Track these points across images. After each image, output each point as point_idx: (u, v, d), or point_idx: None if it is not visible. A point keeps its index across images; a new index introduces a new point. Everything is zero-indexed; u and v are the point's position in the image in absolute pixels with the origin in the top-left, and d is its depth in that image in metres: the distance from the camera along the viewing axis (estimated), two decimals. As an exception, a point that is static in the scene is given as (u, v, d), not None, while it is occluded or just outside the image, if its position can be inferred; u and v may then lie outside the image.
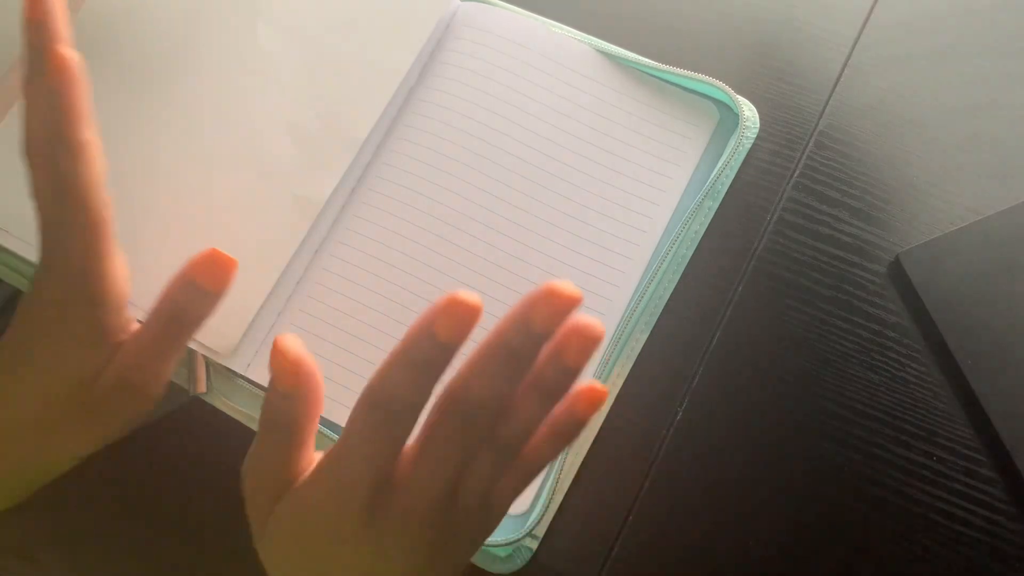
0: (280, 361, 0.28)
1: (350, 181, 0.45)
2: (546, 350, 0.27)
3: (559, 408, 0.29)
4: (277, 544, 0.31)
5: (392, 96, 0.45)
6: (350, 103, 0.45)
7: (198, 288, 0.32)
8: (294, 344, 0.29)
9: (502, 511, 0.31)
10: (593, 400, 0.29)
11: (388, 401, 0.27)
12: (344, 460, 0.28)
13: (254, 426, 0.42)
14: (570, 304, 0.26)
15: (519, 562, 0.39)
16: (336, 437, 0.39)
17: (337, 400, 0.42)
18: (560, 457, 0.39)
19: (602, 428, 0.41)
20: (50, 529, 0.43)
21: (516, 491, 0.30)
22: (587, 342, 0.26)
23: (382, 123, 0.45)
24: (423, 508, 0.29)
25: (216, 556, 0.43)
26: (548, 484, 0.39)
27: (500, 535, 0.38)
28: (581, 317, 0.26)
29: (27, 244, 0.45)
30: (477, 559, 0.39)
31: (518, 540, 0.38)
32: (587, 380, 0.29)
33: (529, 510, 0.39)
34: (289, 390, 0.29)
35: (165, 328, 0.33)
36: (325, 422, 0.41)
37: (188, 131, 0.46)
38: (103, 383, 0.33)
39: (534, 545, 0.39)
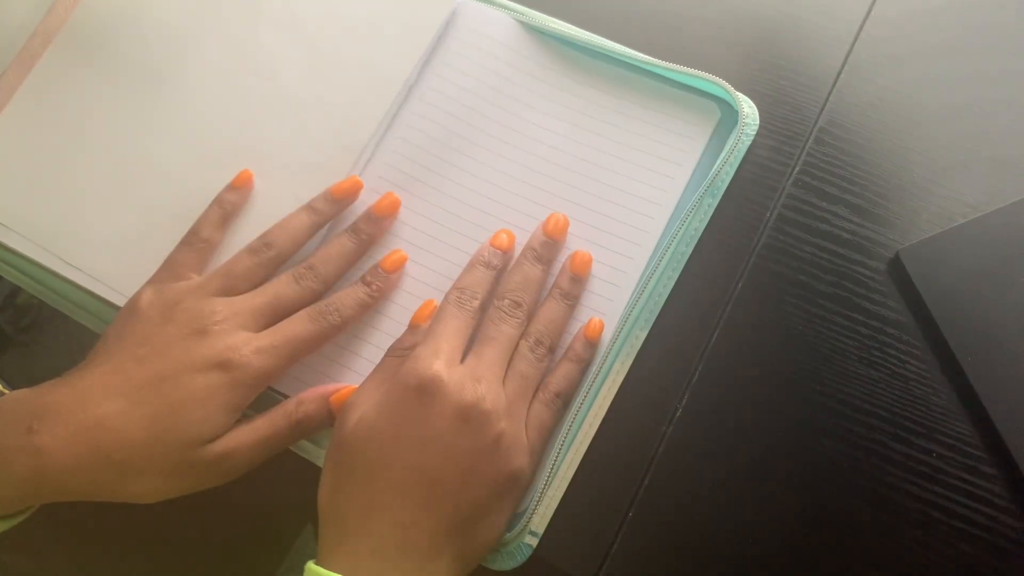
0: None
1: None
2: (560, 272, 0.42)
3: (560, 274, 0.42)
4: (347, 447, 0.36)
5: (393, 99, 0.45)
6: (352, 106, 0.45)
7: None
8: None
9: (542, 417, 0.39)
10: (582, 259, 0.42)
11: (472, 285, 0.40)
12: (441, 327, 0.39)
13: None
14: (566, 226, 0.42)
15: (519, 559, 0.39)
16: None
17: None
18: (560, 455, 0.39)
19: (602, 425, 0.41)
20: (53, 525, 0.43)
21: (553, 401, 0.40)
22: (586, 261, 0.42)
23: (382, 125, 0.45)
24: (490, 371, 0.38)
25: (216, 553, 0.43)
26: (548, 481, 0.39)
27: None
28: (580, 251, 0.42)
29: (27, 241, 0.45)
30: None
31: (518, 537, 0.38)
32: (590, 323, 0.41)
33: (529, 507, 0.39)
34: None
35: (288, 432, 0.39)
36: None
37: (189, 131, 0.46)
38: (212, 450, 0.38)
39: (534, 542, 0.39)
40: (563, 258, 0.42)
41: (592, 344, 0.41)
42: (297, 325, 0.40)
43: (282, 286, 0.41)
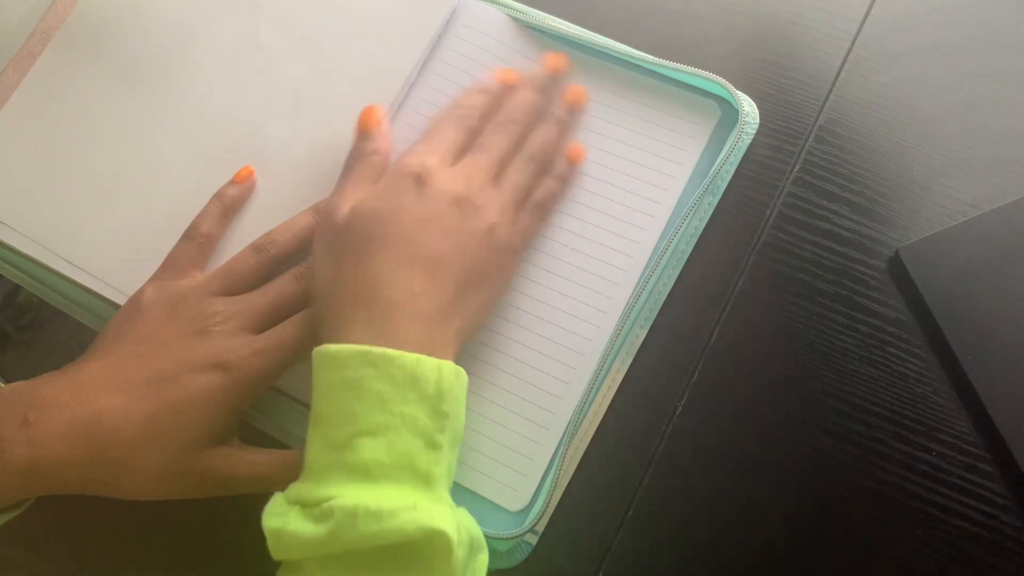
0: (367, 117, 0.43)
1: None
2: (557, 101, 0.44)
3: (556, 103, 0.44)
4: (348, 230, 0.38)
5: (394, 97, 0.45)
6: (352, 105, 0.45)
7: None
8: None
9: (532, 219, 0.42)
10: (576, 92, 0.45)
11: (470, 107, 0.43)
12: (438, 133, 0.41)
13: (258, 424, 0.42)
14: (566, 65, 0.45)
15: (519, 557, 0.39)
16: None
17: None
18: (560, 453, 0.39)
19: (602, 423, 0.41)
20: (55, 520, 0.43)
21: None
22: (580, 94, 0.44)
23: (382, 124, 0.45)
24: (480, 176, 0.40)
25: (216, 550, 0.43)
26: (548, 479, 0.39)
27: (500, 530, 0.38)
28: (573, 85, 0.45)
29: (27, 239, 0.45)
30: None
31: (519, 535, 0.38)
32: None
33: (529, 505, 0.39)
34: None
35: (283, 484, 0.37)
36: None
37: (189, 129, 0.46)
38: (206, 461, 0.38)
39: (534, 540, 0.39)
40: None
41: (574, 164, 0.44)
42: (297, 327, 0.40)
43: (284, 286, 0.41)
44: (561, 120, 0.44)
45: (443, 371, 0.35)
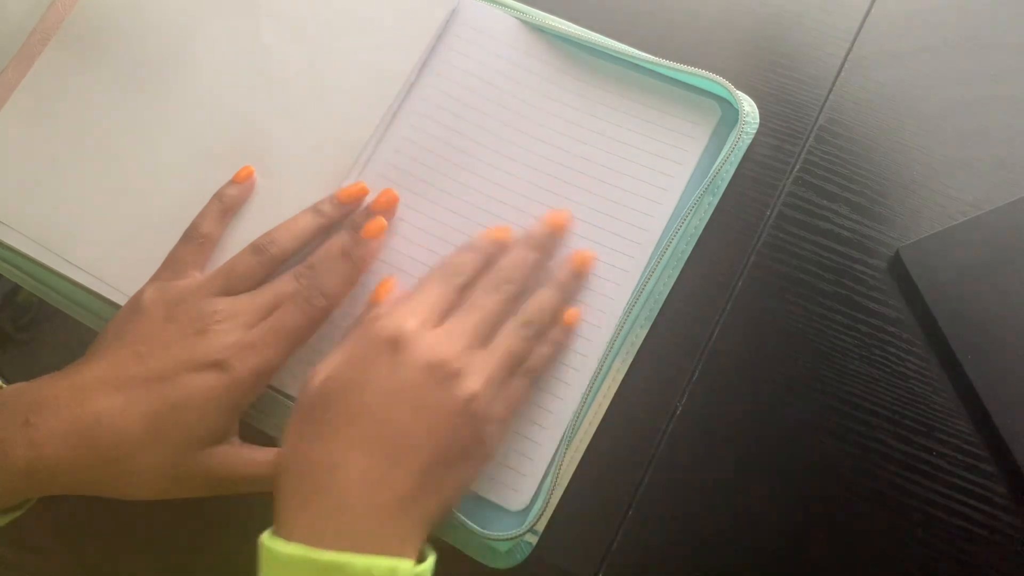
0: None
1: (352, 179, 0.45)
2: (563, 265, 0.41)
3: (562, 267, 0.41)
4: (311, 407, 0.36)
5: (394, 97, 0.45)
6: (352, 104, 0.45)
7: None
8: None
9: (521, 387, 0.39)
10: (585, 257, 0.41)
11: (459, 265, 0.40)
12: (421, 294, 0.39)
13: (258, 424, 0.42)
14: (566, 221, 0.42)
15: (519, 557, 0.39)
16: None
17: None
18: (560, 453, 0.39)
19: (602, 423, 0.41)
20: (54, 520, 0.43)
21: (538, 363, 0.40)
22: (588, 258, 0.42)
23: (382, 123, 0.45)
24: (468, 333, 0.37)
25: (217, 549, 0.43)
26: (548, 479, 0.39)
27: (500, 530, 0.38)
28: (583, 250, 0.42)
29: (27, 239, 0.45)
30: (478, 554, 0.39)
31: (519, 535, 0.38)
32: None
33: (529, 505, 0.39)
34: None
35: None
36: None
37: (189, 129, 0.46)
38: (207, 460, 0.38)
39: (534, 540, 0.39)
40: (564, 257, 0.42)
41: (569, 330, 0.41)
42: (285, 316, 0.40)
43: (284, 286, 0.41)
44: (564, 284, 0.41)
45: (400, 572, 0.32)
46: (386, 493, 0.34)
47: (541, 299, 0.40)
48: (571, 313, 0.41)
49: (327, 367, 0.37)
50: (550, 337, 0.40)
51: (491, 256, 0.41)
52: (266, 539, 0.33)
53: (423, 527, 0.35)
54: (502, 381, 0.38)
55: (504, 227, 0.42)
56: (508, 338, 0.38)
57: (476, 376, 0.36)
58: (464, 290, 0.40)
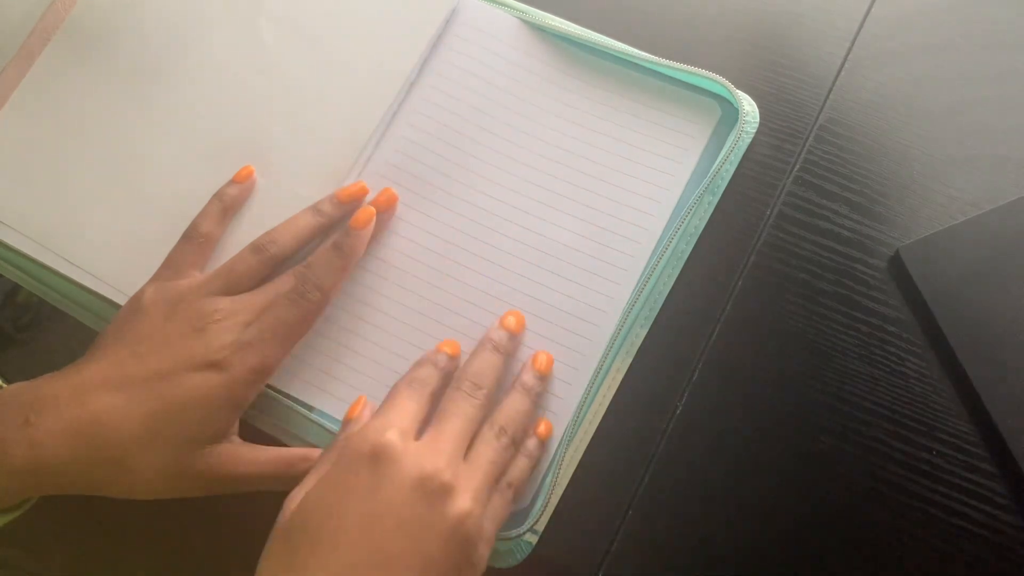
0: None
1: (352, 179, 0.45)
2: (524, 367, 0.41)
3: (525, 369, 0.41)
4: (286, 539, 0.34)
5: (394, 97, 0.45)
6: (352, 104, 0.45)
7: None
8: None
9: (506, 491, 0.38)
10: (545, 359, 0.41)
11: (424, 376, 0.39)
12: (394, 406, 0.37)
13: (258, 424, 0.42)
14: (522, 322, 0.42)
15: (519, 556, 0.39)
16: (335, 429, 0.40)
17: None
18: (560, 451, 0.39)
19: (602, 422, 0.41)
20: (53, 520, 0.43)
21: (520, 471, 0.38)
22: (549, 361, 0.41)
23: (382, 123, 0.45)
24: (450, 444, 0.36)
25: (217, 549, 0.43)
26: (548, 479, 0.39)
27: (501, 529, 0.38)
28: (542, 352, 0.41)
29: (27, 239, 0.45)
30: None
31: (519, 535, 0.38)
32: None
33: (530, 505, 0.39)
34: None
35: (288, 480, 0.37)
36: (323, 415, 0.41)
37: (189, 128, 0.46)
38: (208, 459, 0.38)
39: (534, 539, 0.39)
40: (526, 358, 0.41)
41: (543, 443, 0.40)
42: (280, 312, 0.40)
43: (283, 285, 0.41)
44: (531, 389, 0.40)
45: None
46: None
47: (513, 406, 0.39)
48: (546, 426, 0.40)
49: (303, 489, 0.35)
50: (526, 450, 0.39)
51: (450, 366, 0.40)
52: None
53: None
54: (488, 496, 0.36)
55: (453, 341, 0.41)
56: (488, 449, 0.37)
57: (466, 493, 0.34)
58: (434, 398, 0.39)
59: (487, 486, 0.36)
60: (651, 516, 0.40)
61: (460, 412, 0.37)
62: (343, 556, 0.32)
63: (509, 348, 0.41)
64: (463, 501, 0.34)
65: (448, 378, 0.40)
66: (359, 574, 0.32)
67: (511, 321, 0.41)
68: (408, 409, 0.37)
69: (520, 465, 0.38)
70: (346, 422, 0.39)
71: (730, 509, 0.40)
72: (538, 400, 0.40)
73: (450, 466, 0.35)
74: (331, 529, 0.33)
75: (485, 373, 0.39)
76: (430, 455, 0.35)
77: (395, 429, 0.35)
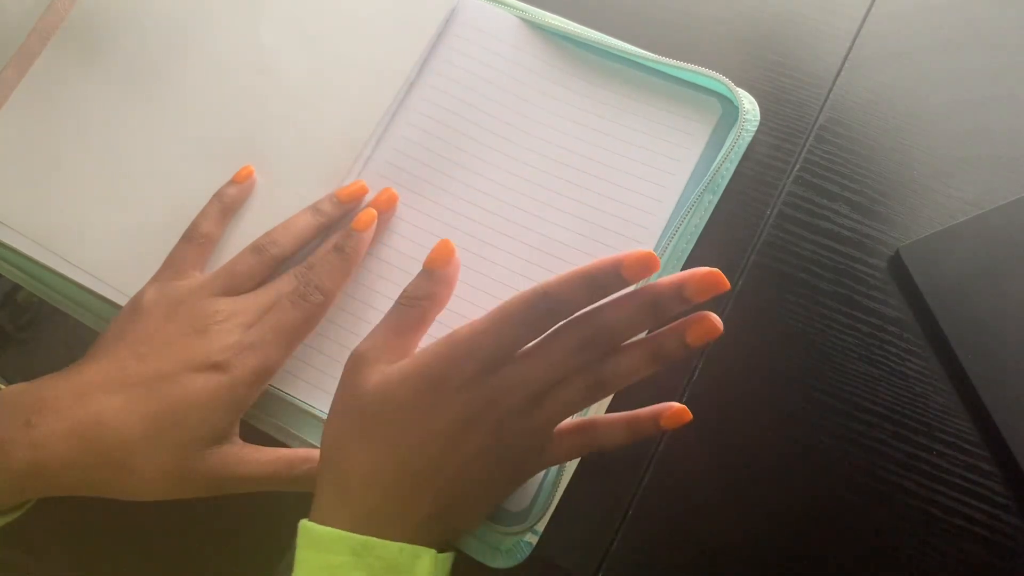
0: (439, 252, 0.38)
1: (351, 179, 0.45)
2: (670, 326, 0.35)
3: (668, 331, 0.35)
4: (362, 410, 0.35)
5: (394, 97, 0.45)
6: (352, 104, 0.45)
7: None
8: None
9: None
10: (707, 328, 0.34)
11: (557, 297, 0.34)
12: (481, 334, 0.34)
13: (258, 424, 0.42)
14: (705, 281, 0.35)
15: (519, 556, 0.39)
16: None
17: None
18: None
19: (602, 423, 0.41)
20: (54, 523, 0.43)
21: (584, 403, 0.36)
22: (710, 332, 0.34)
23: (382, 123, 0.45)
24: (515, 396, 0.34)
25: (217, 550, 0.43)
26: (549, 478, 0.39)
27: (501, 527, 0.38)
28: (711, 315, 0.35)
29: (27, 239, 0.45)
30: (477, 553, 0.39)
31: (519, 534, 0.38)
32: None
33: (530, 505, 0.39)
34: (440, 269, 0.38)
35: (288, 482, 0.38)
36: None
37: (189, 128, 0.46)
38: (209, 460, 0.38)
39: (534, 540, 0.39)
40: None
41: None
42: (282, 314, 0.40)
43: (283, 285, 0.41)
44: (660, 354, 0.35)
45: (423, 561, 0.34)
46: (416, 512, 0.35)
47: (626, 367, 0.35)
48: (674, 412, 0.37)
49: (378, 364, 0.36)
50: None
51: (600, 292, 0.35)
52: (305, 521, 0.34)
53: (449, 535, 0.37)
54: (550, 429, 0.36)
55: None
56: (568, 391, 0.35)
57: (519, 437, 0.35)
58: (543, 330, 0.35)
59: (547, 428, 0.35)
60: (651, 517, 0.40)
61: (556, 360, 0.35)
62: (400, 454, 0.34)
63: (665, 309, 0.35)
64: (513, 443, 0.35)
65: (591, 300, 0.35)
66: (409, 472, 0.34)
67: (707, 282, 0.35)
68: (500, 337, 0.34)
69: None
70: (425, 271, 0.38)
71: (730, 509, 0.40)
72: (662, 368, 0.35)
73: (513, 411, 0.34)
74: (394, 429, 0.35)
75: (611, 332, 0.35)
76: (499, 395, 0.34)
77: (474, 359, 0.34)
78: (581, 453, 0.38)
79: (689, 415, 0.37)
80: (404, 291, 0.38)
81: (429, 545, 0.35)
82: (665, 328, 0.35)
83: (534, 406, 0.35)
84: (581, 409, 0.36)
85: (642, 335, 0.36)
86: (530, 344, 0.35)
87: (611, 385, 0.35)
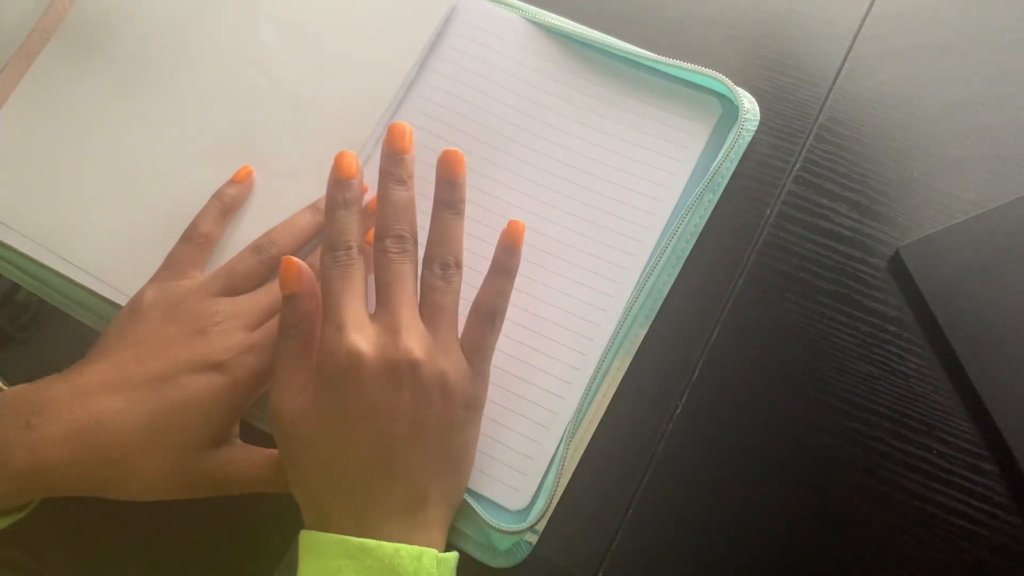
0: (286, 274, 0.37)
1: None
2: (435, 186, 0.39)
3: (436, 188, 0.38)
4: (297, 439, 0.36)
5: (393, 96, 0.45)
6: (351, 103, 0.45)
7: None
8: (294, 262, 0.38)
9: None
10: (450, 157, 0.38)
11: (339, 238, 0.37)
12: (331, 310, 0.36)
13: (258, 424, 0.42)
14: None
15: (519, 556, 0.39)
16: None
17: None
18: (560, 452, 0.39)
19: (602, 422, 0.41)
20: (53, 521, 0.43)
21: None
22: (454, 160, 0.38)
23: (382, 122, 0.45)
24: (400, 317, 0.36)
25: (217, 550, 0.43)
26: (549, 478, 0.39)
27: (501, 527, 0.38)
28: (448, 150, 0.39)
29: (26, 239, 0.45)
30: (478, 553, 0.39)
31: (519, 534, 0.38)
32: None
33: (530, 505, 0.39)
34: (295, 291, 0.37)
35: (282, 473, 0.38)
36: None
37: (188, 128, 0.46)
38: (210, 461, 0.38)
39: (534, 539, 0.39)
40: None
41: (514, 250, 0.39)
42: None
43: None
44: (446, 203, 0.39)
45: (423, 561, 0.34)
46: (398, 500, 0.35)
47: (439, 230, 0.38)
48: (512, 229, 0.39)
49: (286, 399, 0.36)
50: (496, 267, 0.38)
51: (358, 203, 0.39)
52: (303, 532, 0.35)
53: (446, 506, 0.37)
54: (453, 339, 0.37)
55: (348, 158, 0.39)
56: (433, 295, 0.37)
57: (434, 352, 0.36)
58: (360, 258, 0.38)
59: (450, 331, 0.37)
60: (651, 516, 0.40)
61: (396, 276, 0.37)
62: (351, 456, 0.35)
63: (409, 171, 0.39)
64: (435, 363, 0.36)
65: (361, 211, 0.38)
66: (369, 466, 0.35)
67: (397, 134, 0.39)
68: (347, 294, 0.36)
69: (493, 287, 0.38)
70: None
71: (730, 509, 0.40)
72: (462, 216, 0.39)
73: (411, 339, 0.35)
74: (330, 437, 0.35)
75: (401, 217, 0.38)
76: (390, 340, 0.35)
77: (348, 329, 0.35)
78: (488, 327, 0.38)
79: (521, 224, 0.39)
80: (279, 324, 0.38)
81: (434, 526, 0.35)
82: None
83: (419, 324, 0.36)
84: (452, 297, 0.37)
85: None
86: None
87: (449, 252, 0.38)
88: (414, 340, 0.36)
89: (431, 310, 0.37)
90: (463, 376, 0.37)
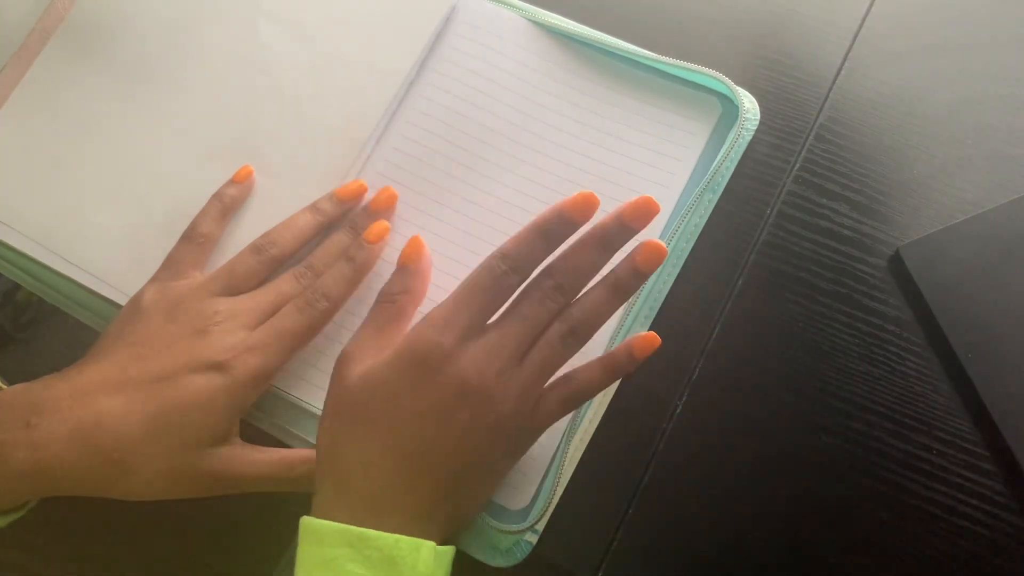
0: (410, 247, 0.40)
1: (351, 178, 0.45)
2: (621, 261, 0.36)
3: (621, 264, 0.36)
4: (351, 402, 0.36)
5: (393, 96, 0.45)
6: (351, 103, 0.45)
7: None
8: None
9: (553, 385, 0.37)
10: (653, 253, 0.36)
11: (515, 255, 0.35)
12: (453, 307, 0.35)
13: (258, 424, 0.42)
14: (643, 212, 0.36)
15: (519, 555, 0.39)
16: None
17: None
18: (560, 452, 0.39)
19: (602, 422, 0.41)
20: (53, 521, 0.43)
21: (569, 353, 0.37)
22: (655, 252, 0.36)
23: (382, 122, 0.45)
24: (497, 360, 0.35)
25: (217, 550, 0.43)
26: (549, 478, 0.39)
27: (501, 527, 0.38)
28: (655, 240, 0.36)
29: (26, 238, 0.45)
30: (477, 552, 0.39)
31: (519, 534, 0.38)
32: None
33: (530, 504, 0.39)
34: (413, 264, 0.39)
35: (288, 482, 0.38)
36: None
37: (188, 128, 0.46)
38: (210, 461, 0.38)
39: (534, 539, 0.39)
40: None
41: (634, 361, 0.38)
42: (287, 319, 0.40)
43: (284, 285, 0.41)
44: (623, 288, 0.37)
45: (421, 552, 0.34)
46: (415, 499, 0.35)
47: (592, 304, 0.37)
48: (644, 340, 0.38)
49: (361, 359, 0.37)
50: (607, 362, 0.38)
51: (558, 242, 0.36)
52: (304, 518, 0.35)
53: (449, 526, 0.36)
54: (533, 397, 0.36)
55: (585, 200, 0.36)
56: (546, 350, 0.36)
57: (510, 397, 0.35)
58: (516, 289, 0.36)
59: (536, 389, 0.36)
60: (651, 516, 0.40)
61: (532, 316, 0.36)
62: (394, 440, 0.35)
63: (619, 245, 0.36)
64: (502, 406, 0.35)
65: (545, 253, 0.36)
66: (404, 456, 0.35)
67: (633, 210, 0.35)
68: (477, 305, 0.36)
69: (589, 377, 0.37)
70: (401, 267, 0.40)
71: (730, 509, 0.40)
72: (623, 300, 0.37)
73: (499, 376, 0.35)
74: (384, 415, 0.35)
75: (578, 277, 0.36)
76: (484, 363, 0.35)
77: (454, 332, 0.35)
78: (569, 406, 0.37)
79: (658, 340, 0.38)
80: (382, 289, 0.40)
81: (435, 536, 0.35)
82: (618, 265, 0.37)
83: (516, 367, 0.35)
84: (561, 362, 0.37)
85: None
86: (501, 309, 0.36)
87: (583, 327, 0.36)
88: (502, 377, 0.35)
89: (534, 360, 0.36)
90: (523, 432, 0.37)
